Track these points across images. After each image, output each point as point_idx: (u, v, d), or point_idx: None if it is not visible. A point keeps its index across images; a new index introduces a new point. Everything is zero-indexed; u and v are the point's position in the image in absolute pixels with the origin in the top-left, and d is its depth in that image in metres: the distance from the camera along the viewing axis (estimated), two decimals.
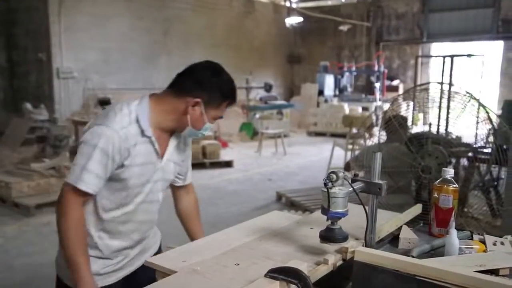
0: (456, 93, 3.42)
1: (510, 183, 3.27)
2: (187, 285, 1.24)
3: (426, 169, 3.31)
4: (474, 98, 3.30)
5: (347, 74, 14.40)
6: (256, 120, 11.09)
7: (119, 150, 1.54)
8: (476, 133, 3.55)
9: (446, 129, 3.58)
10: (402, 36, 14.54)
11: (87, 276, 1.54)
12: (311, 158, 9.00)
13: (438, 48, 14.37)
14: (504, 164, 3.23)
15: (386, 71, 13.95)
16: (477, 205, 3.51)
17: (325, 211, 1.38)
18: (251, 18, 14.36)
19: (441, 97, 3.53)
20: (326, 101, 13.23)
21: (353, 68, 14.40)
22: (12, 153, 7.39)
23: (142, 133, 1.59)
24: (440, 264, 1.18)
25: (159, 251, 1.88)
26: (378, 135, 3.76)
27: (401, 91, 13.39)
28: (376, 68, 13.76)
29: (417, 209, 1.91)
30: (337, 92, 14.02)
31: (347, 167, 4.52)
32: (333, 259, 1.37)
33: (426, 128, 3.61)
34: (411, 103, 3.81)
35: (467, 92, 3.32)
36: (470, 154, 3.62)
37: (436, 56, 13.48)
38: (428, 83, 4.16)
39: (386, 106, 4.06)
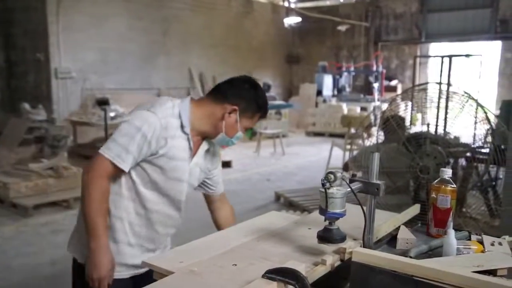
0: (454, 93, 3.43)
1: (508, 183, 3.27)
2: (184, 286, 1.24)
3: (424, 169, 3.31)
4: (472, 98, 3.31)
5: (345, 74, 14.41)
6: None
7: (157, 137, 1.64)
8: (474, 133, 3.56)
9: (444, 129, 3.58)
10: (400, 36, 14.55)
11: (104, 238, 1.62)
12: (310, 158, 9.00)
13: (436, 48, 14.38)
14: (502, 164, 3.24)
15: (384, 71, 13.96)
16: (475, 205, 3.51)
17: (323, 211, 1.38)
18: (249, 18, 14.35)
19: (439, 97, 3.53)
20: (324, 101, 13.24)
21: (352, 68, 14.41)
22: (10, 153, 7.37)
23: (182, 128, 1.69)
24: (438, 265, 1.17)
25: None
26: (377, 135, 3.76)
27: (399, 91, 13.39)
28: (374, 68, 13.76)
29: (415, 210, 1.91)
30: (335, 92, 14.02)
31: (345, 167, 4.53)
32: (331, 260, 1.37)
33: (424, 128, 3.62)
34: (410, 103, 3.82)
35: (465, 92, 3.32)
36: (468, 154, 3.62)
37: (434, 56, 13.50)
38: (427, 83, 4.17)
39: (385, 106, 4.06)
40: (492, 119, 3.43)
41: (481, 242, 1.53)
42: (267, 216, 1.95)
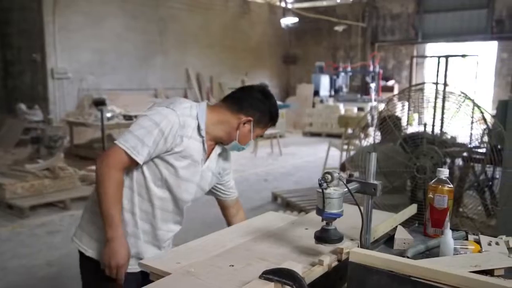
0: (451, 93, 3.43)
1: (504, 183, 3.28)
2: (181, 286, 1.24)
3: (421, 169, 3.31)
4: (469, 98, 3.31)
5: (342, 74, 14.43)
6: None
7: (174, 134, 1.66)
8: (471, 133, 3.56)
9: (441, 129, 3.59)
10: (397, 37, 14.58)
11: (120, 228, 1.65)
12: (307, 159, 9.01)
13: (433, 48, 14.42)
14: (499, 164, 3.24)
15: (381, 71, 13.99)
16: (472, 205, 3.52)
17: (320, 211, 1.38)
18: (246, 18, 14.36)
19: (436, 97, 3.53)
20: (321, 101, 13.25)
21: (349, 69, 14.43)
22: (5, 154, 7.35)
23: (198, 130, 1.73)
24: (435, 265, 1.17)
25: None
26: (374, 136, 3.76)
27: (396, 91, 13.42)
28: (371, 68, 13.80)
29: (412, 210, 1.91)
30: (332, 93, 14.04)
31: (342, 167, 4.53)
32: (328, 260, 1.37)
33: (421, 128, 3.62)
34: (406, 103, 3.82)
35: (462, 92, 3.32)
36: (465, 154, 3.63)
37: (431, 57, 13.54)
38: (423, 83, 4.17)
39: (381, 107, 4.07)
40: (489, 119, 3.44)
41: (478, 242, 1.53)
42: (264, 217, 1.95)
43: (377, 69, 13.73)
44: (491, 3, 12.73)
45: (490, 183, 3.86)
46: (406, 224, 1.76)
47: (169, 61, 11.94)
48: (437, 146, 3.39)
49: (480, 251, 1.45)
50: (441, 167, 1.66)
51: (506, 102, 3.64)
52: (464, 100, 3.28)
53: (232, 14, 13.86)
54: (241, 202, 2.12)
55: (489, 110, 8.03)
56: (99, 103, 7.52)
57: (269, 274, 1.18)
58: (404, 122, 3.77)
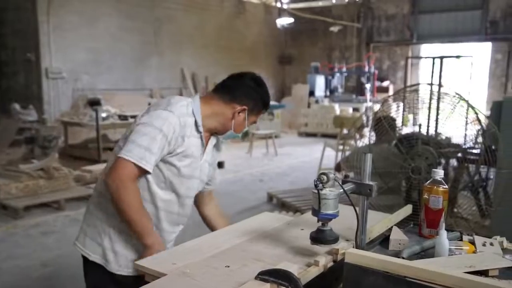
0: (445, 94, 3.44)
1: (498, 184, 3.30)
2: (176, 287, 1.23)
3: (416, 170, 3.32)
4: (463, 99, 3.32)
5: (337, 75, 14.46)
6: None
7: (176, 137, 1.67)
8: (465, 134, 3.57)
9: (435, 130, 3.60)
10: (392, 37, 14.63)
11: (153, 232, 1.68)
12: (302, 159, 9.02)
13: (427, 49, 14.48)
14: (493, 164, 3.25)
15: (376, 72, 14.03)
16: (467, 206, 3.53)
17: (315, 212, 1.38)
18: (242, 18, 14.35)
19: (430, 98, 3.54)
20: (317, 101, 13.27)
21: (344, 69, 14.46)
22: (0, 154, 7.31)
23: (196, 126, 1.73)
24: (430, 266, 1.18)
25: None
26: (369, 136, 3.77)
27: (391, 92, 13.47)
28: (366, 69, 13.83)
29: (407, 210, 1.91)
30: (328, 93, 14.06)
31: (337, 167, 4.53)
32: (324, 261, 1.37)
33: (416, 129, 3.63)
34: (401, 104, 3.83)
35: (456, 93, 3.34)
36: (459, 154, 3.64)
37: (425, 57, 13.60)
38: (418, 84, 4.18)
39: (377, 107, 4.08)
40: (483, 120, 3.45)
41: (472, 242, 1.53)
42: (259, 217, 1.94)
43: (372, 70, 13.77)
44: (485, 4, 12.80)
45: (484, 183, 3.88)
46: (401, 224, 1.77)
47: (164, 61, 11.91)
48: (432, 147, 3.40)
49: (474, 252, 1.46)
50: (436, 168, 1.66)
51: (500, 103, 3.66)
52: (458, 101, 3.29)
53: (228, 14, 13.85)
54: (221, 198, 2.14)
55: (483, 111, 8.06)
56: (94, 103, 7.50)
57: (265, 275, 1.18)
58: (398, 123, 3.78)
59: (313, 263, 1.36)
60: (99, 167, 6.36)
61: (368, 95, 12.98)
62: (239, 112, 1.78)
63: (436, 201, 1.59)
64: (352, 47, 15.14)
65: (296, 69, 15.94)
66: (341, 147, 6.28)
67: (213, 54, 13.13)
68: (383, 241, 1.61)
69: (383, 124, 3.56)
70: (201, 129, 1.74)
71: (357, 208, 1.46)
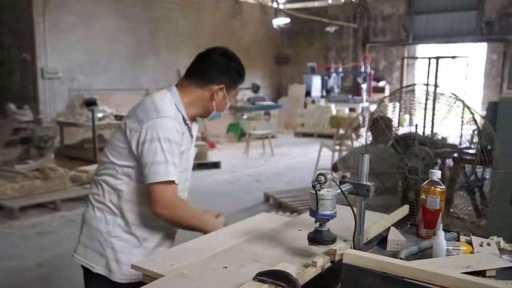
0: (441, 94, 3.45)
1: (494, 184, 3.31)
2: None
3: (413, 170, 3.33)
4: (459, 100, 3.33)
5: (334, 75, 14.48)
6: (243, 121, 11.08)
7: (180, 137, 1.70)
8: (461, 134, 3.58)
9: (432, 130, 3.61)
10: (388, 38, 14.66)
11: (207, 218, 1.79)
12: (299, 159, 9.02)
13: (423, 49, 14.52)
14: (489, 164, 3.27)
15: (372, 72, 14.05)
16: (463, 206, 3.54)
17: (313, 213, 1.38)
18: (238, 19, 14.34)
19: (426, 99, 3.55)
20: (313, 102, 13.28)
21: (340, 69, 14.48)
22: None
23: (184, 121, 1.75)
24: (428, 266, 1.18)
25: None
26: (365, 136, 3.78)
27: (387, 92, 13.50)
28: (362, 69, 13.85)
29: (404, 210, 1.92)
30: (324, 93, 14.07)
31: (334, 167, 4.54)
32: (322, 262, 1.37)
33: (412, 129, 3.64)
34: (397, 105, 3.84)
35: (452, 94, 3.35)
36: (455, 155, 3.65)
37: (421, 58, 13.63)
38: (414, 84, 4.19)
39: (373, 108, 4.09)
40: (479, 120, 3.46)
41: (469, 243, 1.54)
42: (257, 218, 1.94)
43: (368, 70, 13.79)
44: (481, 5, 12.85)
45: (480, 183, 3.90)
46: (398, 225, 1.77)
47: (160, 61, 11.89)
48: (428, 147, 3.41)
49: (472, 252, 1.46)
50: (432, 168, 1.67)
51: (496, 104, 3.68)
52: (454, 101, 3.30)
53: (224, 15, 13.84)
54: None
55: (479, 111, 8.10)
56: (90, 103, 7.47)
57: (262, 276, 1.18)
58: (395, 123, 3.79)
59: (311, 264, 1.36)
60: (95, 168, 6.34)
61: (364, 96, 13.01)
62: (217, 92, 1.78)
63: (433, 201, 1.59)
64: (348, 48, 15.16)
65: (293, 69, 15.94)
66: (337, 147, 6.28)
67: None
68: (380, 241, 1.62)
69: (380, 125, 3.57)
70: (188, 122, 1.76)
71: (354, 209, 1.47)
